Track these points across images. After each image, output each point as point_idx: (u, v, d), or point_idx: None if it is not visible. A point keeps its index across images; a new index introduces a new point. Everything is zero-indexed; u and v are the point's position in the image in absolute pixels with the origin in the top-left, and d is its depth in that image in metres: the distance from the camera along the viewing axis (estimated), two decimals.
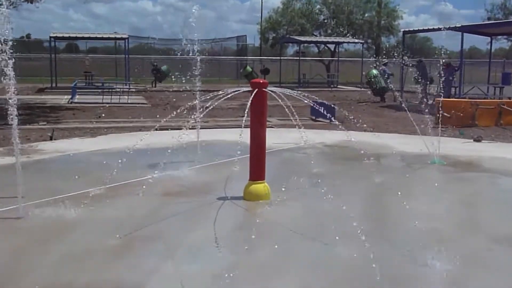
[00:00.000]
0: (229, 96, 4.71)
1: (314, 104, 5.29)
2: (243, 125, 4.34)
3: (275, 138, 8.11)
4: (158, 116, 13.10)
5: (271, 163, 5.79)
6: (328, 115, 5.33)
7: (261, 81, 4.63)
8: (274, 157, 6.65)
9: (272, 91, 4.59)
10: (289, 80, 28.68)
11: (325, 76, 29.35)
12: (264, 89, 4.53)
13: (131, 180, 5.28)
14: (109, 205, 4.47)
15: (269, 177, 4.80)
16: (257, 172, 4.66)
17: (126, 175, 5.37)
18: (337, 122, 5.09)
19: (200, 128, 6.84)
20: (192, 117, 5.62)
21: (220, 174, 5.67)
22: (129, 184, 5.16)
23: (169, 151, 5.18)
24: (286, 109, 4.62)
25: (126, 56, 24.02)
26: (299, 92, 4.85)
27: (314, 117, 12.76)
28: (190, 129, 5.05)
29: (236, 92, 4.73)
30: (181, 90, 18.44)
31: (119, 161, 4.93)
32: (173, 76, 25.21)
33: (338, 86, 27.29)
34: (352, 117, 6.39)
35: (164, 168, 5.63)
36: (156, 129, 5.06)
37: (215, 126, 10.88)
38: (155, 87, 24.13)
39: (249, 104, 4.44)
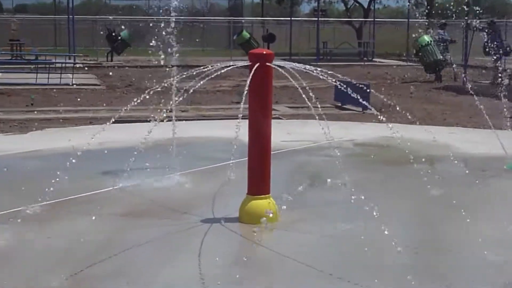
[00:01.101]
0: (218, 73, 4.73)
1: (339, 85, 5.30)
2: (240, 116, 4.36)
3: (284, 134, 8.14)
4: (116, 102, 13.13)
5: (279, 170, 5.80)
6: (360, 100, 5.33)
7: (264, 52, 4.64)
8: (283, 161, 6.66)
9: (279, 66, 4.61)
10: (303, 50, 28.73)
11: (356, 45, 29.41)
12: (268, 64, 4.55)
13: (80, 195, 5.31)
14: (49, 229, 4.49)
15: (275, 190, 4.82)
16: (258, 182, 4.68)
17: (72, 188, 5.39)
18: (373, 111, 5.11)
19: (177, 120, 6.86)
20: (165, 104, 5.63)
21: (205, 186, 5.69)
22: (77, 200, 5.19)
23: (132, 153, 5.20)
24: (301, 92, 4.64)
25: (70, 17, 24.06)
26: (318, 67, 4.86)
27: (340, 104, 12.80)
28: (162, 121, 5.07)
29: (228, 68, 4.75)
30: (149, 65, 18.48)
31: (62, 167, 4.95)
32: (137, 46, 25.20)
33: (374, 59, 27.34)
34: (394, 103, 6.41)
35: (126, 177, 5.64)
36: (114, 122, 5.08)
37: (198, 117, 10.92)
38: (111, 61, 24.20)
39: (246, 85, 4.47)
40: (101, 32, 24.85)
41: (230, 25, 30.98)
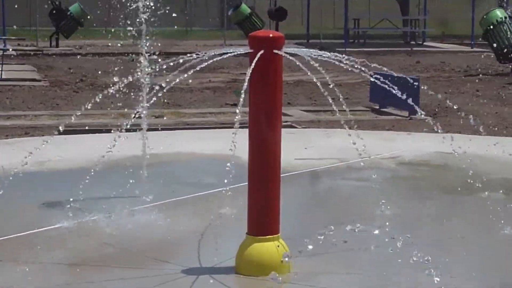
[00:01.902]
0: (206, 64, 4.74)
1: (377, 80, 5.30)
2: (237, 124, 4.35)
3: (299, 148, 8.13)
4: (63, 105, 13.12)
5: (292, 200, 5.77)
6: (407, 101, 5.32)
7: (271, 35, 4.65)
8: (298, 187, 6.65)
9: (292, 54, 4.62)
10: (326, 31, 28.77)
11: (400, 23, 29.46)
12: (276, 51, 4.56)
13: (12, 235, 5.28)
14: None
15: (287, 229, 4.80)
16: (263, 218, 4.67)
17: (1, 226, 5.38)
18: (424, 116, 5.10)
19: (149, 130, 6.86)
20: (133, 107, 5.63)
21: (189, 223, 5.68)
22: (8, 243, 5.16)
23: (86, 176, 5.20)
24: (323, 90, 4.64)
25: None
26: (347, 55, 4.86)
27: (377, 106, 12.79)
28: (128, 130, 5.07)
29: (221, 57, 4.75)
30: (109, 52, 18.43)
31: None
32: (92, 25, 25.19)
33: (426, 43, 27.38)
34: (454, 105, 6.40)
35: (77, 210, 5.64)
36: (61, 132, 5.08)
37: (179, 125, 10.92)
38: (56, 46, 24.26)
39: (246, 80, 4.47)
40: (45, 7, 24.92)
41: None
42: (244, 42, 4.80)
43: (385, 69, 5.25)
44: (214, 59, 4.72)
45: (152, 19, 6.70)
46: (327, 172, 7.37)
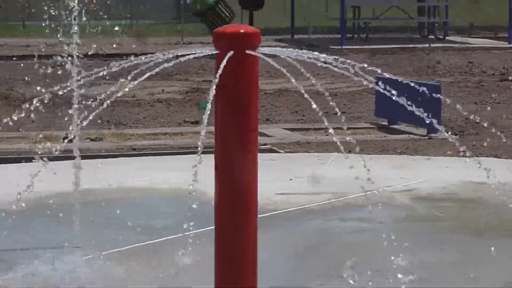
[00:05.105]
0: (158, 69, 4.76)
1: (384, 88, 5.34)
2: (200, 148, 4.37)
3: (281, 179, 8.15)
4: None
5: (272, 249, 5.77)
6: (424, 116, 5.36)
7: (242, 30, 4.67)
8: (281, 232, 6.64)
9: (271, 55, 4.64)
10: (317, 23, 28.81)
11: (414, 12, 29.57)
12: (249, 52, 4.58)
13: None
14: None
15: (267, 287, 4.81)
16: (234, 272, 4.68)
17: None
18: (447, 135, 5.14)
19: (83, 157, 6.86)
20: (60, 127, 5.63)
21: (138, 280, 5.67)
22: None
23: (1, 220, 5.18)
24: (312, 101, 4.66)
25: None
26: (344, 55, 4.89)
27: (386, 122, 12.78)
28: (54, 159, 5.08)
29: (178, 61, 4.77)
30: (27, 54, 18.37)
31: None
32: (6, 18, 25.08)
33: (449, 38, 27.44)
34: (488, 120, 6.44)
35: None
36: None
37: (123, 151, 10.88)
38: None
39: (211, 90, 4.49)
40: None
41: None
42: (207, 40, 4.83)
43: (394, 73, 5.28)
44: (169, 63, 4.74)
45: (85, 10, 6.73)
46: (319, 211, 7.37)
